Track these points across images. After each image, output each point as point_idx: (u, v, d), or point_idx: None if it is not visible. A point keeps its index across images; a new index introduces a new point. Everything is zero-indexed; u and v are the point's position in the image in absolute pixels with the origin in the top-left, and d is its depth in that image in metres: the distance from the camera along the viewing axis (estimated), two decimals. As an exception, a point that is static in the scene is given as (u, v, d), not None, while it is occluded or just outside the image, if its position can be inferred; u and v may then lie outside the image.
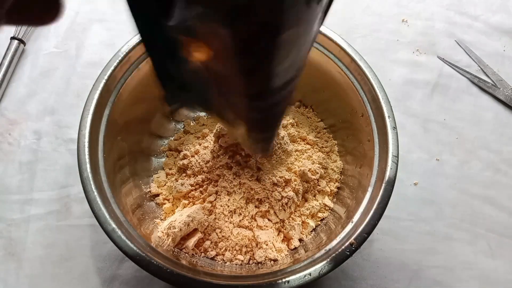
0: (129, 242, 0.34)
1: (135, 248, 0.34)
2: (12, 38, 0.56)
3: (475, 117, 0.57)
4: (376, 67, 0.59)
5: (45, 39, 0.58)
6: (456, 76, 0.59)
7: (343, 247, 0.35)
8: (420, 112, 0.57)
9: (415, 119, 0.56)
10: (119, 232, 0.35)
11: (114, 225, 0.35)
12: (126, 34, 0.59)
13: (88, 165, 0.37)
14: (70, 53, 0.58)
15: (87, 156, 0.37)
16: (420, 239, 0.50)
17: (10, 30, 0.57)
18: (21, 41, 0.56)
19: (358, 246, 0.35)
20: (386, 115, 0.40)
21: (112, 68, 0.41)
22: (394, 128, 0.40)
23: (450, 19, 0.63)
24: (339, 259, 0.35)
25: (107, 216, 0.35)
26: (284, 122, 0.48)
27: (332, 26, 0.61)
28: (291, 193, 0.44)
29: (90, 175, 0.36)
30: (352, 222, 0.38)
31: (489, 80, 0.59)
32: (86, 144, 0.37)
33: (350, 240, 0.36)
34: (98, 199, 0.36)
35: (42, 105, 0.54)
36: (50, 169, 0.51)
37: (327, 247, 0.37)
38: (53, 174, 0.51)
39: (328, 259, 0.35)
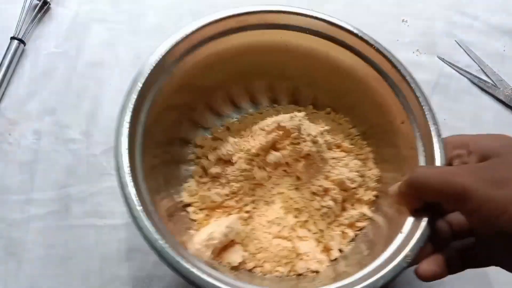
0: (179, 259, 0.31)
1: (186, 265, 0.31)
2: (12, 38, 0.56)
3: (475, 117, 0.57)
4: (376, 67, 0.59)
5: (45, 39, 0.58)
6: (456, 76, 0.59)
7: (397, 260, 0.32)
8: (420, 112, 0.57)
9: (415, 119, 0.56)
10: (168, 249, 0.31)
11: (162, 242, 0.31)
12: (126, 34, 0.59)
13: (131, 181, 0.33)
14: (70, 53, 0.58)
15: (127, 170, 0.33)
16: (420, 239, 0.50)
17: (10, 30, 0.57)
18: (21, 41, 0.56)
19: (414, 258, 0.32)
20: (431, 123, 0.38)
21: (147, 75, 0.38)
22: (440, 136, 0.38)
23: (450, 19, 0.63)
24: (395, 273, 0.32)
25: (155, 231, 0.31)
26: (319, 129, 0.46)
27: (332, 26, 0.61)
28: (331, 202, 0.42)
29: (134, 190, 0.32)
30: (401, 233, 0.34)
31: (489, 80, 0.59)
32: (126, 156, 0.34)
33: (406, 252, 0.32)
34: (142, 214, 0.32)
35: (42, 105, 0.54)
36: (50, 169, 0.51)
37: (378, 261, 0.34)
38: (53, 174, 0.51)
39: (383, 273, 0.32)
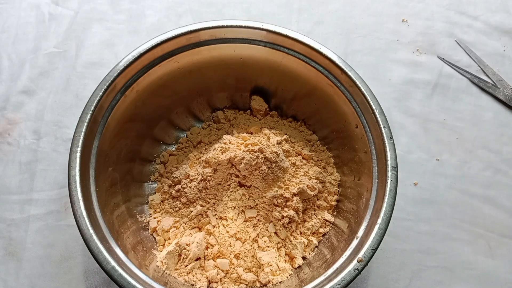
0: (133, 281, 0.33)
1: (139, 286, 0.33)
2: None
3: (475, 117, 0.57)
4: (376, 67, 0.60)
5: (45, 39, 0.58)
6: (456, 76, 0.59)
7: (351, 266, 0.35)
8: (420, 112, 0.57)
9: (415, 119, 0.56)
10: (121, 271, 0.34)
11: (114, 264, 0.34)
12: (126, 34, 0.59)
13: (81, 203, 0.35)
14: (70, 53, 0.58)
15: (79, 193, 0.36)
16: (420, 239, 0.50)
17: (9, 30, 0.57)
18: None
19: (366, 263, 0.34)
20: (381, 126, 0.39)
21: (98, 97, 0.39)
22: (391, 138, 0.39)
23: (450, 19, 0.63)
24: (349, 278, 0.34)
25: (107, 255, 0.34)
26: (278, 138, 0.47)
27: (332, 27, 0.61)
28: (292, 212, 0.43)
29: (84, 213, 0.35)
30: (357, 238, 0.37)
31: (489, 80, 0.59)
32: (78, 182, 0.36)
33: (357, 257, 0.35)
34: (95, 239, 0.34)
35: (41, 105, 0.54)
36: (49, 169, 0.51)
37: (334, 266, 0.36)
38: (53, 174, 0.51)
39: (337, 280, 0.34)
